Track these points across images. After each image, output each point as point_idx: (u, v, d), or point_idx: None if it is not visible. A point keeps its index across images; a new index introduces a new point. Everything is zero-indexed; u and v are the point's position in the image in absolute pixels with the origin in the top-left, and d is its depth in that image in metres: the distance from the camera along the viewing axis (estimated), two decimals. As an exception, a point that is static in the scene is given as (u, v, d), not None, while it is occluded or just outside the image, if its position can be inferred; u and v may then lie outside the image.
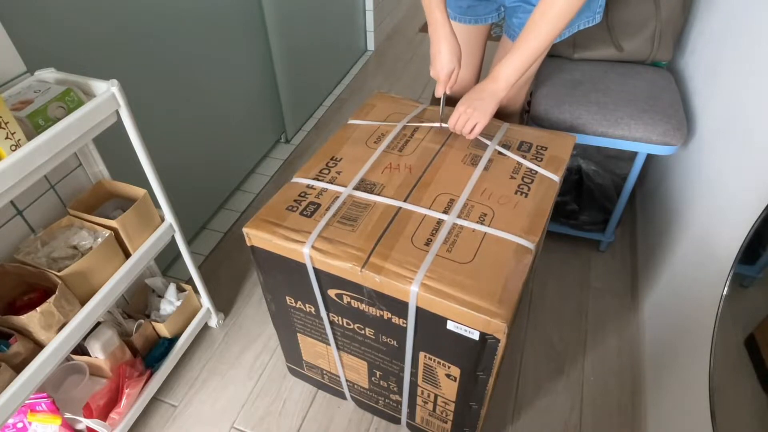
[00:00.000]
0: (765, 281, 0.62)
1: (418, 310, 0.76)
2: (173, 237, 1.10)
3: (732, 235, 0.87)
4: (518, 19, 1.11)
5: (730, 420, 0.60)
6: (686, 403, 0.92)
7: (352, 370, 1.03)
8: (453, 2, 1.17)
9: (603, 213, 1.47)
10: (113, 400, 1.06)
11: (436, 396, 0.93)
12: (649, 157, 1.57)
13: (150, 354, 1.18)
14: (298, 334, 1.04)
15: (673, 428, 0.96)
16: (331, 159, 0.97)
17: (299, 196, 0.89)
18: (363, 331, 0.90)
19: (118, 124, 0.90)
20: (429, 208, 0.85)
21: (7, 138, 0.73)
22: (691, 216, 1.10)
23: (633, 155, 1.30)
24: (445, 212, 0.85)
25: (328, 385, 1.16)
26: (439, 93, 1.04)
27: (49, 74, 0.88)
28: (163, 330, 1.19)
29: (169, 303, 1.22)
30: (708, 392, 0.76)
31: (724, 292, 0.66)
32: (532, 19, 0.90)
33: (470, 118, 0.96)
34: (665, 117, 1.19)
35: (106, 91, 0.86)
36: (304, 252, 0.80)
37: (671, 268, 1.16)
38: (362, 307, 0.84)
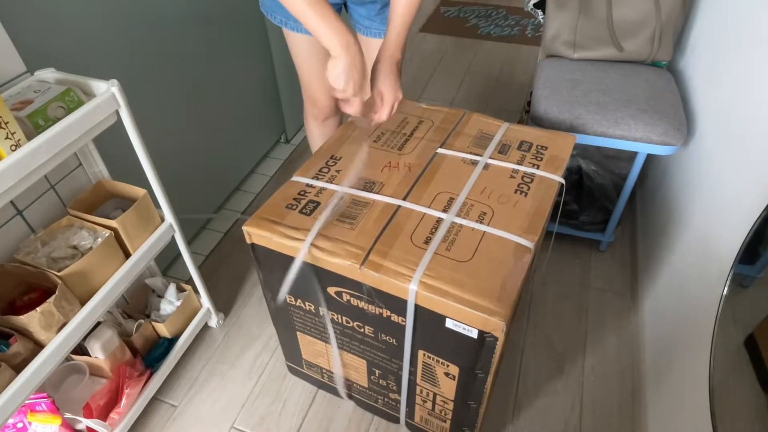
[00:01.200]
0: (765, 281, 0.62)
1: (417, 307, 0.77)
2: (173, 237, 1.10)
3: (732, 235, 0.87)
4: (366, 10, 1.11)
5: (730, 420, 0.60)
6: (686, 403, 0.92)
7: (352, 368, 1.03)
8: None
9: (603, 213, 1.47)
10: (113, 400, 1.06)
11: (435, 395, 0.93)
12: (649, 157, 1.57)
13: (150, 354, 1.18)
14: (298, 333, 1.04)
15: (673, 428, 0.96)
16: (331, 158, 0.97)
17: (299, 194, 0.89)
18: (362, 329, 0.90)
19: (118, 124, 0.90)
20: (428, 207, 0.85)
21: (7, 138, 0.73)
22: (691, 216, 1.10)
23: (633, 155, 1.30)
24: (445, 211, 0.85)
25: (327, 384, 1.16)
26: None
27: (49, 74, 0.88)
28: (163, 330, 1.19)
29: (169, 303, 1.22)
30: (708, 392, 0.76)
31: (724, 292, 0.65)
32: None
33: (397, 100, 0.96)
34: (665, 117, 1.19)
35: (106, 91, 0.86)
36: (304, 249, 0.80)
37: (671, 268, 1.16)
38: (361, 305, 0.84)
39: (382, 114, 0.95)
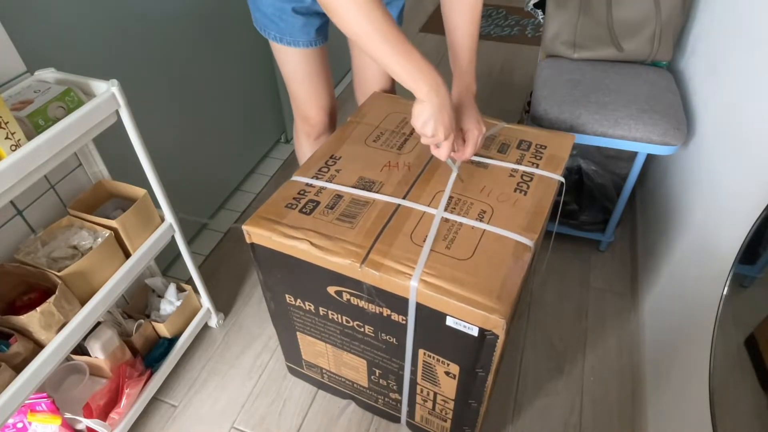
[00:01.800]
0: (765, 281, 0.62)
1: (418, 306, 0.77)
2: (173, 237, 1.10)
3: (732, 235, 0.87)
4: None
5: (730, 420, 0.60)
6: (686, 403, 0.92)
7: (352, 368, 1.03)
8: (299, 31, 1.05)
9: (603, 213, 1.47)
10: (113, 400, 1.06)
11: (435, 394, 0.93)
12: (649, 157, 1.57)
13: (150, 354, 1.18)
14: (298, 333, 1.04)
15: (673, 428, 0.96)
16: (330, 157, 0.97)
17: (298, 194, 0.89)
18: (362, 329, 0.90)
19: (118, 124, 0.90)
20: (428, 206, 0.85)
21: (7, 138, 0.73)
22: (691, 216, 1.10)
23: (633, 155, 1.30)
24: (444, 209, 0.85)
25: (327, 384, 1.16)
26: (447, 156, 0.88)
27: (49, 74, 0.88)
28: (163, 330, 1.19)
29: (169, 303, 1.22)
30: (708, 392, 0.76)
31: (724, 292, 0.65)
32: (464, 24, 0.91)
33: (481, 135, 0.92)
34: (665, 117, 1.19)
35: (106, 91, 0.86)
36: (304, 248, 0.80)
37: (671, 268, 1.16)
38: (362, 304, 0.84)
39: (466, 152, 0.90)
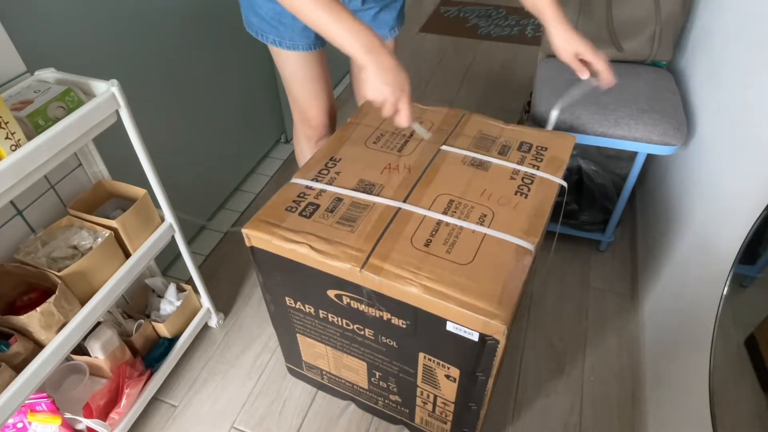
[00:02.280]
0: (765, 281, 0.62)
1: (418, 310, 0.76)
2: (173, 237, 1.10)
3: (732, 235, 0.87)
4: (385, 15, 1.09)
5: (730, 420, 0.60)
6: (686, 403, 0.92)
7: (352, 370, 1.03)
8: (298, 34, 1.05)
9: (603, 213, 1.47)
10: (113, 400, 1.06)
11: (435, 397, 0.93)
12: (649, 157, 1.57)
13: (150, 354, 1.19)
14: (298, 335, 1.04)
15: (673, 428, 0.96)
16: (330, 159, 0.97)
17: (298, 196, 0.89)
18: (363, 332, 0.90)
19: (118, 124, 0.90)
20: (428, 209, 0.85)
21: (7, 138, 0.73)
22: (691, 216, 1.10)
23: (633, 155, 1.30)
24: (445, 213, 0.84)
25: (327, 385, 1.16)
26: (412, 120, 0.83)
27: (49, 74, 0.88)
28: (163, 330, 1.19)
29: (169, 303, 1.22)
30: (708, 392, 0.76)
31: (724, 292, 0.66)
32: None
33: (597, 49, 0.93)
34: (665, 117, 1.19)
35: (106, 91, 0.86)
36: (304, 252, 0.80)
37: (671, 268, 1.16)
38: (362, 307, 0.84)
39: (604, 65, 0.92)
